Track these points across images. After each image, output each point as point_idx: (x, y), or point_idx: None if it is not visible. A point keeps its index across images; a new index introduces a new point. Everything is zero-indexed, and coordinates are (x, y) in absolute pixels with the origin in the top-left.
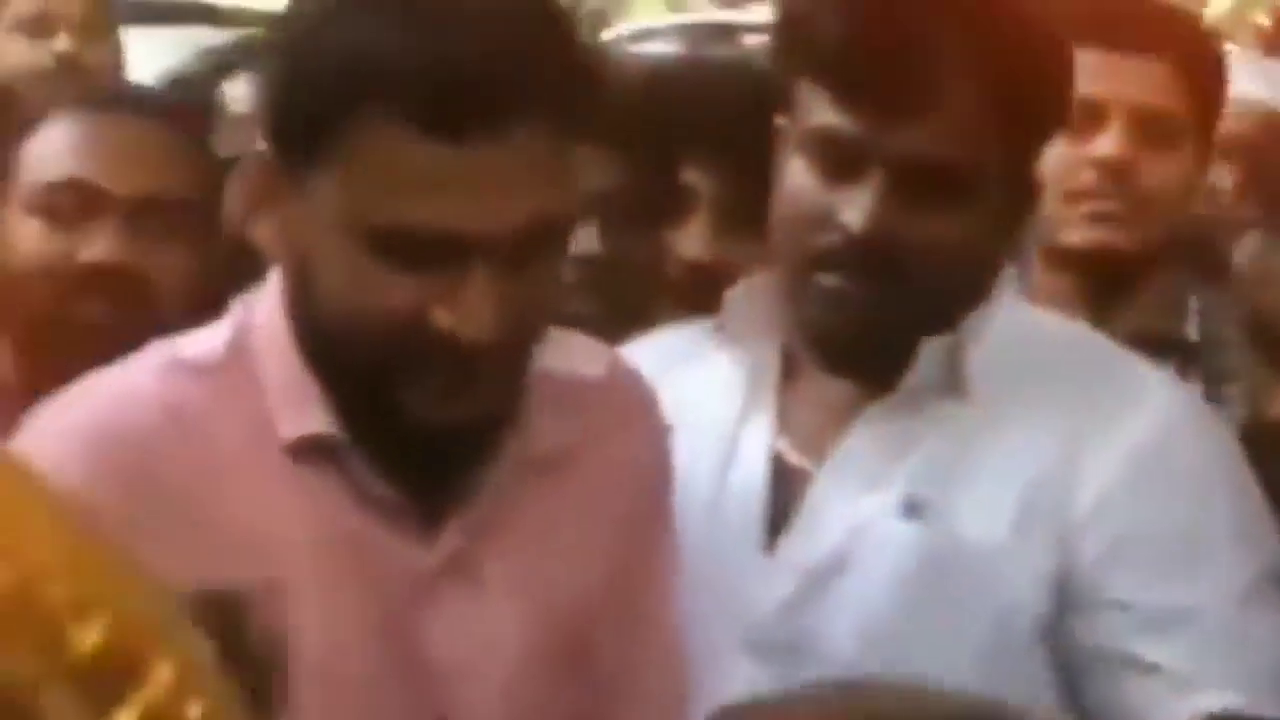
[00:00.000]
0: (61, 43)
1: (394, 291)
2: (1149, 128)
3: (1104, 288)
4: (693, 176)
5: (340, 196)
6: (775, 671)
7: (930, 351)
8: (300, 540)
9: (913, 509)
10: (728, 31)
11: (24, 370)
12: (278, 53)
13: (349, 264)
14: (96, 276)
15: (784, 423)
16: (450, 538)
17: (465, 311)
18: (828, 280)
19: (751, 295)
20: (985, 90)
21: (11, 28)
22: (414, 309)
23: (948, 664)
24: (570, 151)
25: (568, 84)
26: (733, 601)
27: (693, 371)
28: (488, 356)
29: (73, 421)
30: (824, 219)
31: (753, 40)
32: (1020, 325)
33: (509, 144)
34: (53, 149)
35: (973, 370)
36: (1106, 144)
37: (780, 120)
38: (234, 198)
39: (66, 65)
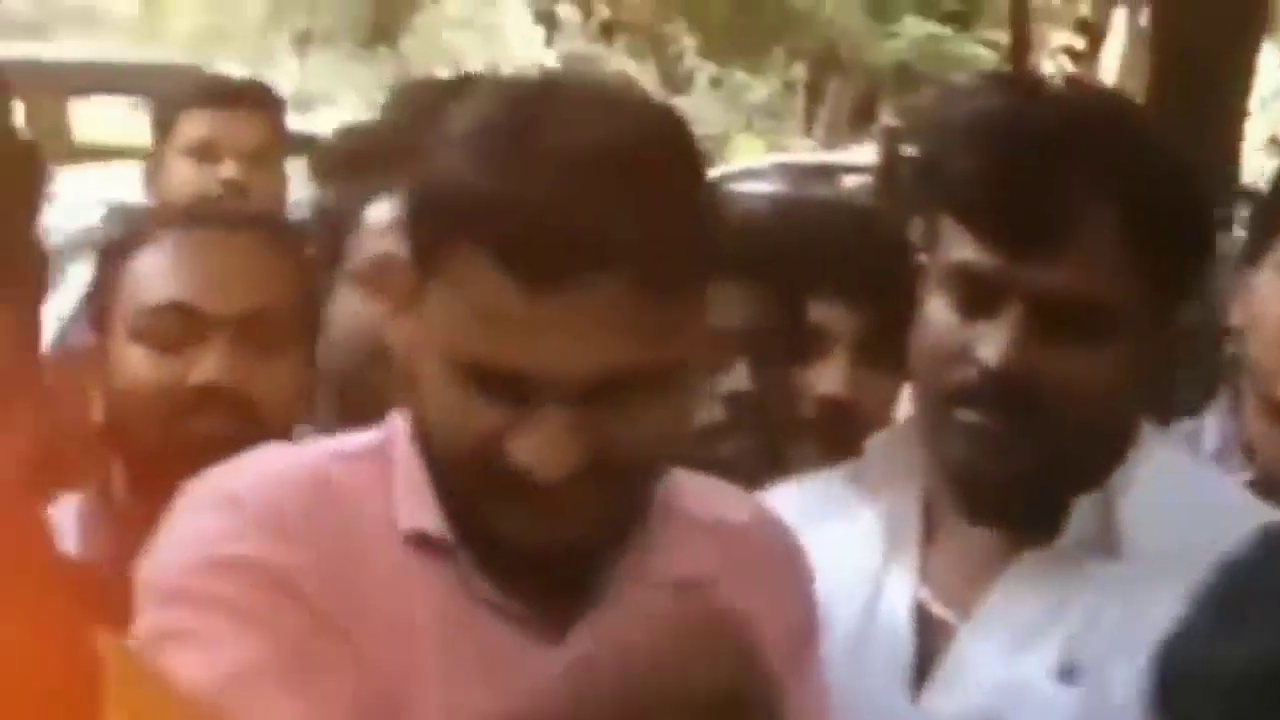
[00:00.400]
0: (228, 169)
1: (475, 417)
2: None
3: None
4: (827, 314)
5: (438, 318)
6: None
7: (1083, 507)
8: (423, 625)
9: (1070, 673)
10: (828, 172)
11: (138, 491)
12: (409, 178)
13: (441, 384)
14: (206, 397)
15: (926, 573)
16: (578, 641)
17: (534, 448)
18: (966, 416)
19: (891, 444)
20: (1123, 225)
21: (181, 152)
22: (492, 437)
23: None
24: (669, 298)
25: (658, 238)
26: None
27: (831, 525)
28: (569, 489)
29: (231, 485)
30: (961, 354)
31: (851, 180)
32: (1175, 480)
33: (585, 295)
34: (151, 271)
35: (1125, 527)
36: None
37: (922, 257)
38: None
39: (232, 192)
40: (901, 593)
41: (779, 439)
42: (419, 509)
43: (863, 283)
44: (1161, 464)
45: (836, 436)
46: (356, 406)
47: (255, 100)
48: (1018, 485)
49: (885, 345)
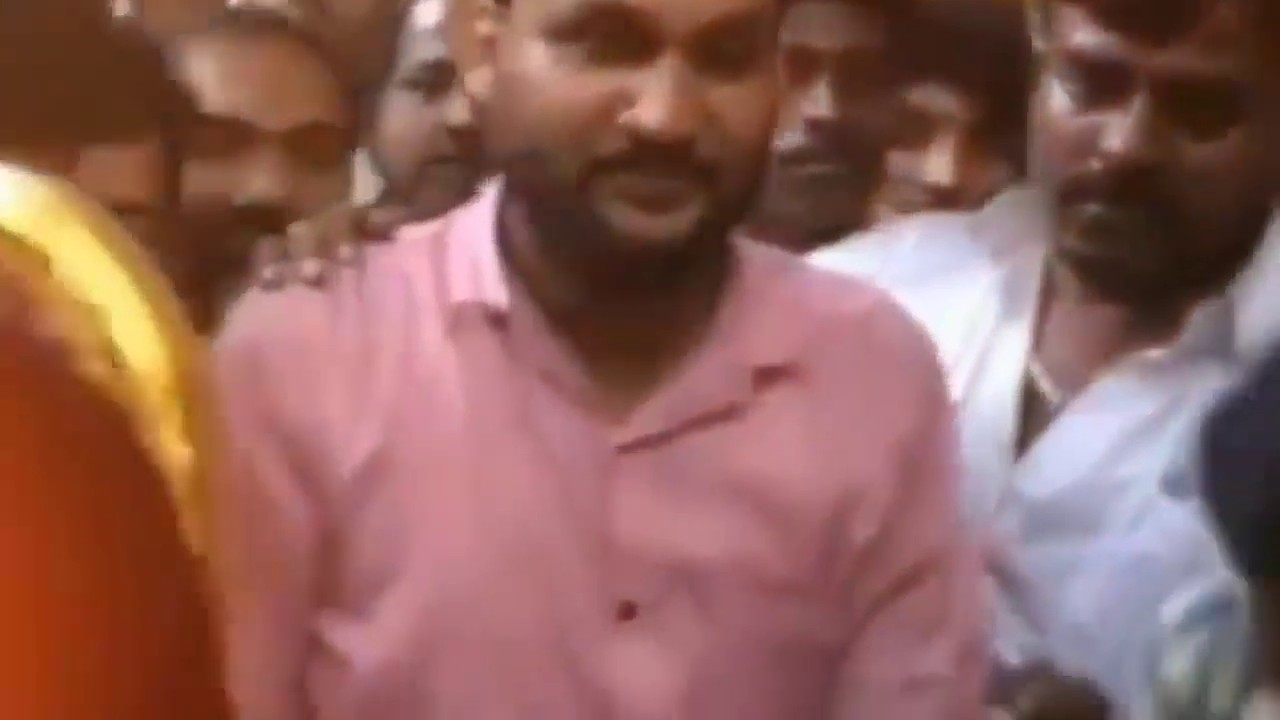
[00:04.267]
0: None
1: (584, 87)
2: None
3: None
4: (939, 100)
5: (532, 7)
6: (1014, 607)
7: (1203, 314)
8: (461, 408)
9: (1177, 485)
10: None
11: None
12: None
13: (543, 68)
14: (254, 214)
15: (1038, 345)
16: (644, 420)
17: (650, 100)
18: (1091, 209)
19: (1016, 205)
20: (1252, 2)
21: None
22: (603, 105)
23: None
24: None
25: None
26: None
27: (949, 276)
28: (679, 161)
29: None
30: (1086, 144)
31: None
32: None
33: None
34: (198, 81)
35: (1245, 333)
36: None
37: (1037, 44)
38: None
39: None
40: (1012, 360)
41: (872, 165)
42: (473, 280)
43: (976, 67)
44: None
45: None
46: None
47: None
48: (1140, 278)
49: (996, 133)
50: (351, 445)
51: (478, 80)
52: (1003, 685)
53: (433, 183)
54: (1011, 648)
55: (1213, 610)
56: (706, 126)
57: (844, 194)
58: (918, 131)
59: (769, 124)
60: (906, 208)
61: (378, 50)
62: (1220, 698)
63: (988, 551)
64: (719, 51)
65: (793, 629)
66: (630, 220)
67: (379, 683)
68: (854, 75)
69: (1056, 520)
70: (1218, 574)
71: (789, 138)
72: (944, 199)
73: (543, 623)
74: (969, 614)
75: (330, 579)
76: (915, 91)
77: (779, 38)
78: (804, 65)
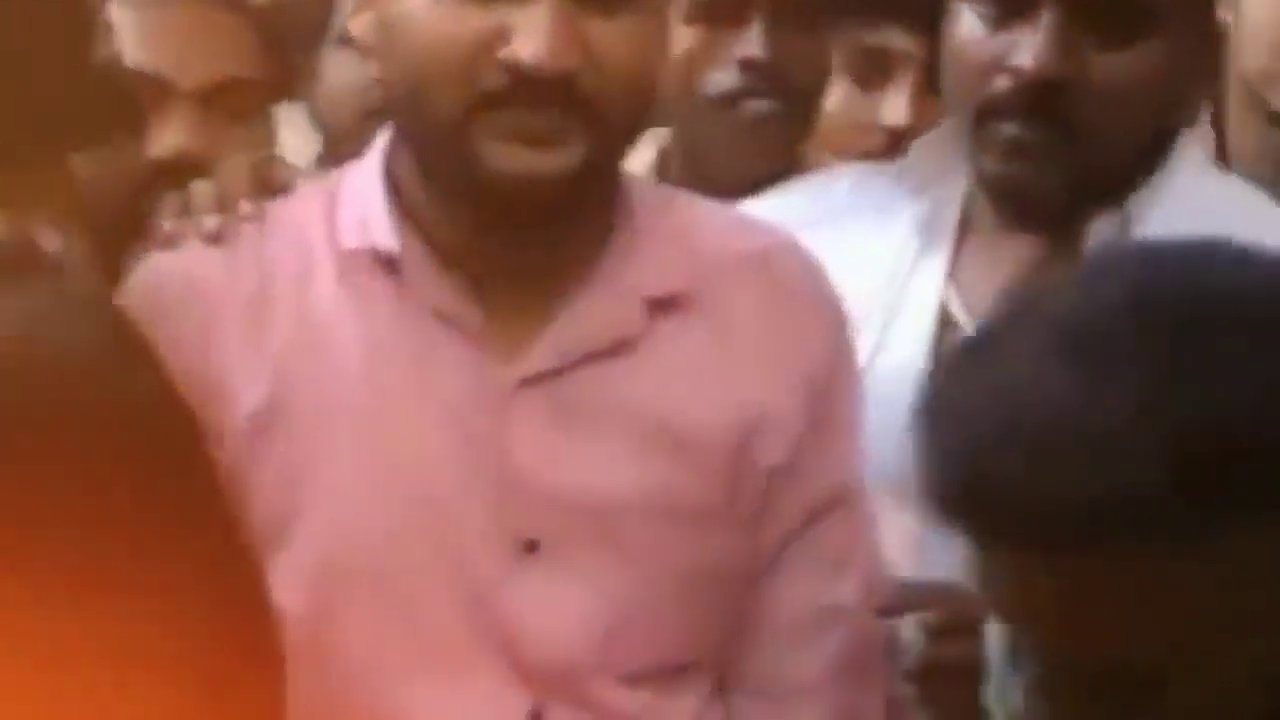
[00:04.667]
0: None
1: (463, 23)
2: None
3: None
4: (890, 39)
5: None
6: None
7: (1102, 226)
8: (355, 354)
9: None
10: None
11: (101, 269)
12: None
13: (422, 6)
14: (171, 170)
15: (954, 276)
16: (539, 355)
17: (529, 35)
18: (1005, 129)
19: (936, 142)
20: None
21: None
22: (483, 41)
23: None
24: None
25: None
26: (892, 453)
27: (869, 216)
28: (559, 97)
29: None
30: (996, 64)
31: None
32: (1203, 196)
33: None
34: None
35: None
36: None
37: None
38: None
39: None
40: (928, 292)
41: (802, 110)
42: (363, 225)
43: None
44: (1183, 176)
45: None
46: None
47: None
48: (1057, 194)
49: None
50: (244, 394)
51: (360, 24)
52: (908, 598)
53: (371, 137)
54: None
55: None
56: (587, 62)
57: (780, 135)
58: (876, 72)
59: (651, 60)
60: (859, 151)
61: (311, 6)
62: None
63: (904, 479)
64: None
65: (700, 558)
66: (514, 157)
67: (291, 634)
68: (787, 16)
69: None
70: None
71: (723, 78)
72: (899, 140)
73: (441, 562)
74: (872, 545)
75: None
76: (872, 33)
77: None
78: (737, 6)
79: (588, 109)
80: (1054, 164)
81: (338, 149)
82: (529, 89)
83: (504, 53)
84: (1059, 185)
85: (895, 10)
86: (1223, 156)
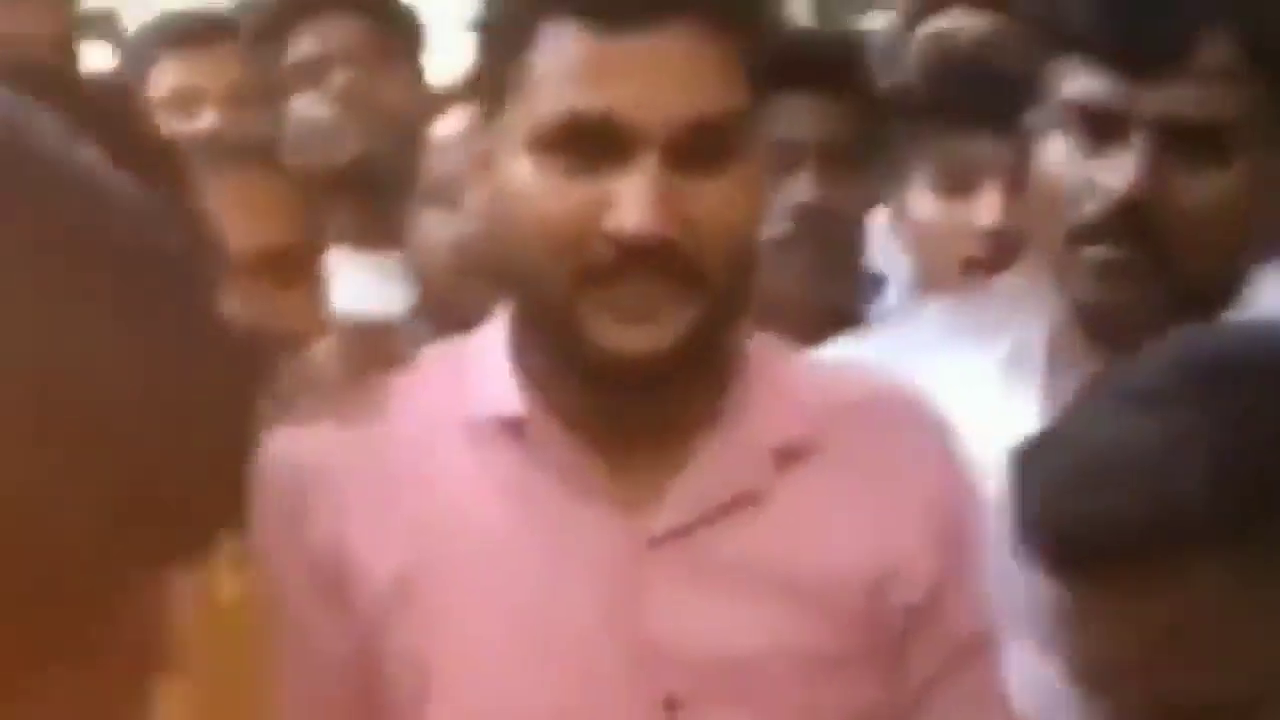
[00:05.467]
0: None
1: (569, 196)
2: None
3: None
4: (984, 148)
5: (523, 108)
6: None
7: None
8: (485, 523)
9: None
10: None
11: None
12: None
13: (529, 181)
14: None
15: (1048, 408)
16: (669, 512)
17: (629, 203)
18: (1096, 252)
19: (1018, 281)
20: (1241, 38)
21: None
22: (586, 212)
23: None
24: (734, 57)
25: None
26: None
27: (954, 354)
28: (666, 261)
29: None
30: (1087, 189)
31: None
32: None
33: (668, 35)
34: None
35: None
36: None
37: (1033, 114)
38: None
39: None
40: (1025, 421)
41: (849, 254)
42: (490, 392)
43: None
44: (1275, 295)
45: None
46: (446, 324)
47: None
48: (1148, 318)
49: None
50: (374, 571)
51: (478, 196)
52: None
53: (465, 293)
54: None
55: None
56: (688, 227)
57: (831, 270)
58: (965, 179)
59: (752, 220)
60: (959, 256)
61: (397, 163)
62: None
63: (1028, 615)
64: (696, 152)
65: (841, 709)
66: (612, 334)
67: None
68: (834, 162)
69: None
70: None
71: (775, 226)
72: (997, 243)
73: None
74: (1007, 690)
75: (371, 706)
76: (959, 142)
77: (758, 133)
78: (787, 156)
79: (692, 275)
80: (1147, 285)
81: (432, 302)
82: (633, 258)
83: (606, 223)
84: (1153, 306)
85: (978, 118)
86: None
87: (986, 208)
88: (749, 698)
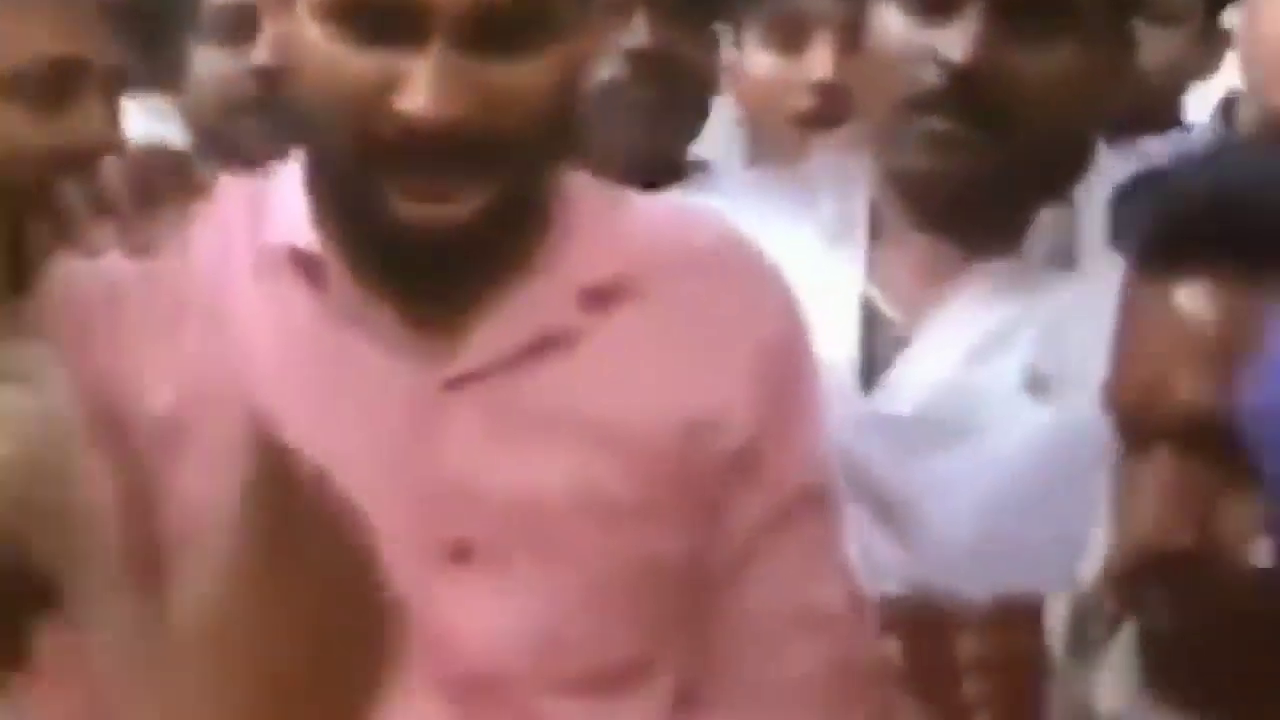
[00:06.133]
0: None
1: (355, 71)
2: None
3: None
4: (815, 2)
5: None
6: (886, 530)
7: (1046, 219)
8: (269, 356)
9: (1039, 386)
10: None
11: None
12: None
13: (317, 49)
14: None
15: (872, 273)
16: (467, 356)
17: (415, 88)
18: (930, 123)
19: (838, 148)
20: None
21: None
22: (373, 89)
23: (1056, 553)
24: None
25: None
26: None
27: (775, 222)
28: (455, 146)
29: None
30: (922, 58)
31: None
32: None
33: None
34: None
35: (1086, 240)
36: None
37: None
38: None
39: None
40: (848, 288)
41: (694, 95)
42: (285, 220)
43: None
44: (1120, 175)
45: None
46: (225, 160)
47: None
48: (979, 191)
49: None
50: (150, 402)
51: (271, 38)
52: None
53: (244, 132)
54: (883, 573)
55: None
56: (484, 107)
57: (669, 125)
58: (796, 36)
59: (561, 95)
60: (792, 112)
61: None
62: None
63: (852, 476)
64: (492, 32)
65: (642, 558)
66: (403, 210)
67: None
68: (670, 8)
69: (923, 436)
70: None
71: (607, 68)
72: (829, 97)
73: None
74: (847, 551)
75: (148, 540)
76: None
77: (588, 7)
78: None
79: (488, 153)
80: (979, 158)
81: (206, 144)
82: (419, 139)
83: (395, 103)
84: (983, 179)
85: None
86: None
87: (818, 61)
88: (545, 544)
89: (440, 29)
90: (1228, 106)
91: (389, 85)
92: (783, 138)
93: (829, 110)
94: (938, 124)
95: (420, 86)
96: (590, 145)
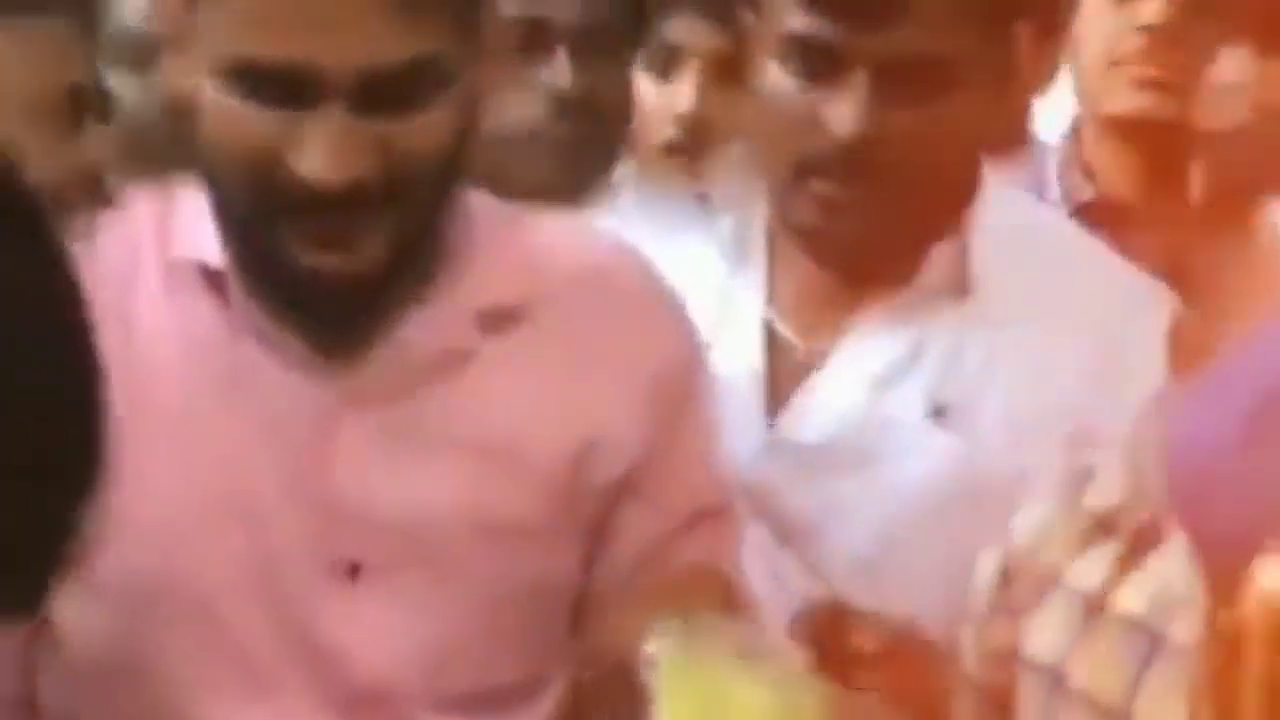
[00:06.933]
0: None
1: (252, 130)
2: None
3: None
4: (685, 30)
5: (212, 32)
6: (789, 551)
7: (940, 253)
8: (172, 368)
9: (940, 413)
10: None
11: None
12: None
13: (215, 104)
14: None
15: (772, 295)
16: (367, 373)
17: (310, 152)
18: (820, 187)
19: (737, 167)
20: None
21: None
22: (269, 148)
23: (956, 577)
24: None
25: None
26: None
27: (676, 241)
28: (355, 202)
29: None
30: (808, 124)
31: None
32: (1018, 220)
33: None
34: None
35: (977, 268)
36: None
37: (747, 15)
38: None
39: None
40: (749, 308)
41: (610, 137)
42: (193, 237)
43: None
44: (1009, 209)
45: (698, 156)
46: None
47: None
48: (873, 246)
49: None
50: None
51: (172, 66)
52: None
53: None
54: (789, 592)
55: None
56: (381, 163)
57: (588, 163)
58: (671, 65)
59: (454, 144)
60: (660, 141)
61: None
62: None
63: (756, 499)
64: (388, 91)
65: (527, 577)
66: (306, 257)
67: (96, 652)
68: (591, 47)
69: (826, 463)
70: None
71: (530, 108)
72: (692, 128)
73: (258, 584)
74: (738, 561)
75: None
76: (668, 26)
77: (473, 59)
78: (540, 37)
79: (387, 204)
80: (870, 219)
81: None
82: (319, 198)
83: (293, 163)
84: (874, 234)
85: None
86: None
87: (682, 93)
88: (433, 564)
89: (333, 93)
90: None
91: (285, 146)
92: (658, 168)
93: (694, 141)
94: (828, 189)
95: (316, 149)
96: (510, 183)
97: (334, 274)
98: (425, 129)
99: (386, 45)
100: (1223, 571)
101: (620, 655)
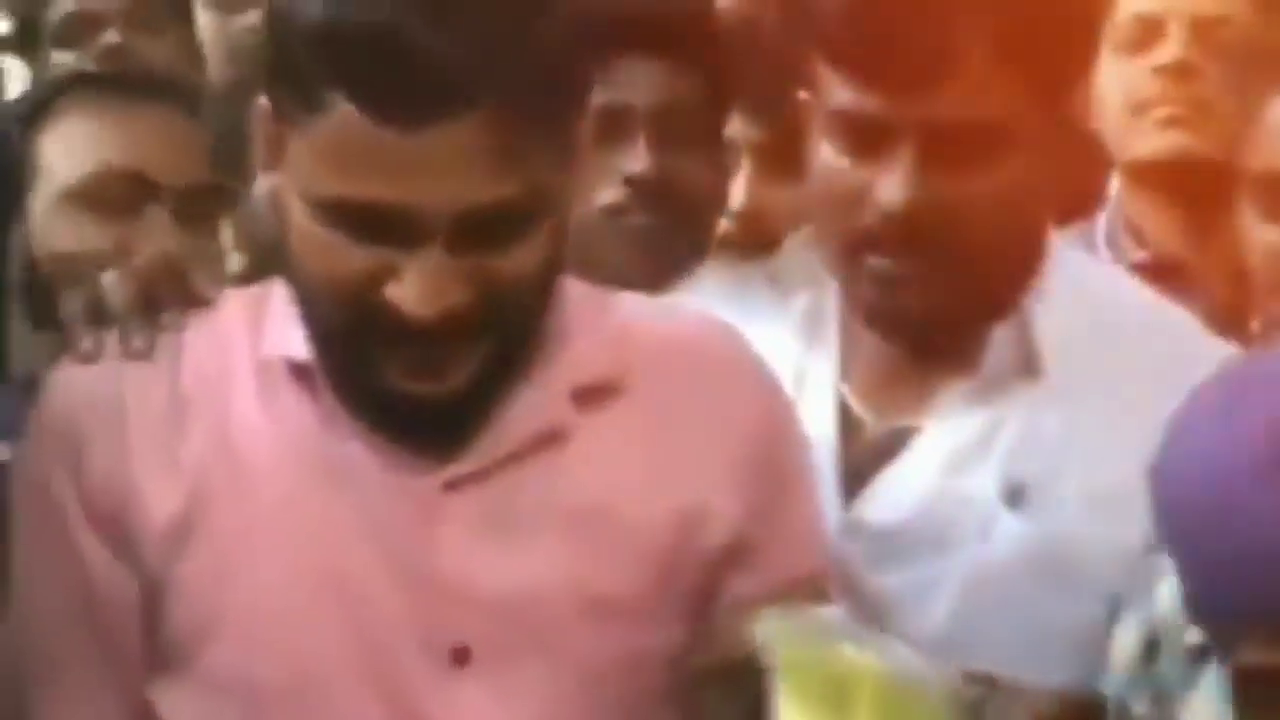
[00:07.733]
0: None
1: (347, 262)
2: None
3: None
4: (731, 125)
5: (303, 164)
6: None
7: (1001, 336)
8: (274, 464)
9: (1016, 494)
10: None
11: None
12: (269, 19)
13: (309, 234)
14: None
15: (845, 371)
16: (468, 456)
17: (407, 288)
18: (877, 264)
19: (808, 246)
20: (1001, 42)
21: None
22: (365, 280)
23: (1041, 655)
24: (525, 141)
25: (528, 72)
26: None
27: (750, 321)
28: (448, 333)
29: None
30: (860, 199)
31: None
32: (1083, 287)
33: (457, 129)
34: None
35: (1044, 346)
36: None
37: (804, 96)
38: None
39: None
40: (824, 385)
41: (693, 224)
42: (283, 333)
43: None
44: (1069, 274)
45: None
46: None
47: None
48: (936, 321)
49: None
50: (159, 506)
51: (267, 183)
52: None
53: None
54: None
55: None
56: (477, 295)
57: (670, 249)
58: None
59: (549, 269)
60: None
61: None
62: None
63: (834, 579)
64: (487, 229)
65: (640, 650)
66: (400, 384)
67: None
68: (671, 130)
69: (905, 545)
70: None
71: (608, 193)
72: (746, 224)
73: (368, 676)
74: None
75: (153, 644)
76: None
77: (574, 179)
78: (620, 122)
79: (481, 333)
80: (931, 292)
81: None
82: (414, 329)
83: (390, 293)
84: (938, 311)
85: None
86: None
87: (736, 186)
88: (539, 643)
89: (430, 232)
90: None
91: (382, 277)
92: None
93: (744, 235)
94: (884, 264)
95: (413, 286)
96: (590, 269)
97: (427, 398)
98: (522, 258)
99: (486, 186)
100: None
101: (734, 639)
